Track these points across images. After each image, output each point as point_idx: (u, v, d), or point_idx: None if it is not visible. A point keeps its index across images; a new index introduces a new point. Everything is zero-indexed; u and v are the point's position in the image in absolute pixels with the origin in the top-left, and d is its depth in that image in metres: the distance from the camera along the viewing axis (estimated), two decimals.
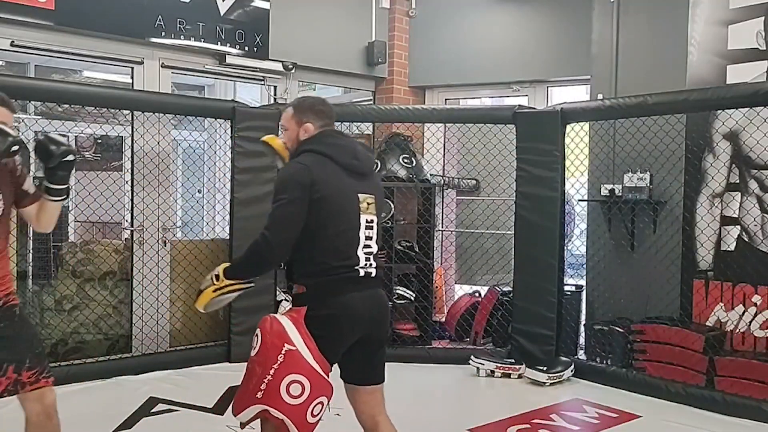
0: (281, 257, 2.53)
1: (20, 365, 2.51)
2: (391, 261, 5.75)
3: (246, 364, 2.51)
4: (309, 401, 2.39)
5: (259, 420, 2.49)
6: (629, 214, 5.16)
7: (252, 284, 2.66)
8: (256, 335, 2.48)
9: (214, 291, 2.60)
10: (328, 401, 2.47)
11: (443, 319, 6.08)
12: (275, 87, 6.22)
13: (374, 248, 2.61)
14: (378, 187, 2.76)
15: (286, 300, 5.40)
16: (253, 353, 2.47)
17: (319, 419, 2.46)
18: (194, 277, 5.32)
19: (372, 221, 2.60)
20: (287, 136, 2.71)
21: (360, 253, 2.55)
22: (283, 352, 2.39)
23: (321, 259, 2.49)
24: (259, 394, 2.39)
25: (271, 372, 2.37)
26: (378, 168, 5.77)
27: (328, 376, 2.44)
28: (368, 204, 2.61)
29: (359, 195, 2.58)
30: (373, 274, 2.59)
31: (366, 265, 2.56)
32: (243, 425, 2.53)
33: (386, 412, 2.70)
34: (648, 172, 5.06)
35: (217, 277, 2.58)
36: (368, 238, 2.58)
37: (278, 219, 2.47)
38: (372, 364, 2.65)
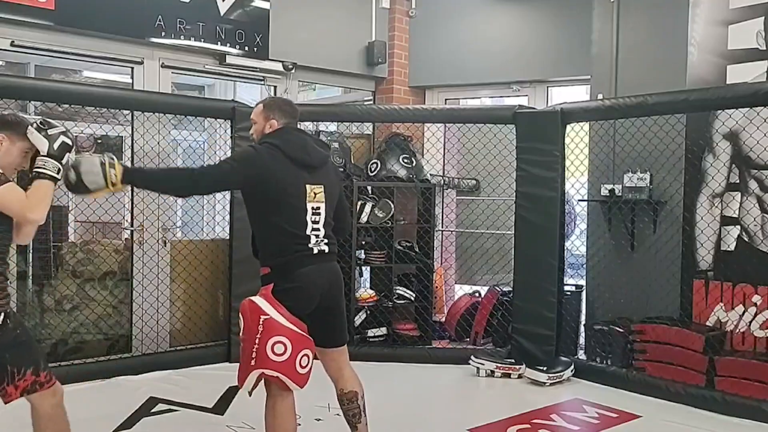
0: (189, 194, 2.97)
1: (38, 367, 2.62)
2: (391, 261, 5.75)
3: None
4: (294, 355, 2.82)
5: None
6: (629, 214, 5.16)
7: None
8: (240, 318, 2.87)
9: (111, 189, 2.77)
10: (312, 353, 2.90)
11: (443, 319, 6.08)
12: (275, 87, 6.22)
13: (322, 231, 2.98)
14: (329, 178, 3.08)
15: None
16: (241, 334, 2.87)
17: (310, 369, 2.88)
18: (194, 277, 5.32)
19: (318, 208, 2.98)
20: (255, 128, 3.10)
21: (310, 234, 2.93)
22: (261, 321, 2.80)
23: (278, 242, 2.91)
24: (253, 362, 2.80)
25: (257, 340, 2.78)
26: (377, 168, 5.78)
27: (305, 333, 2.87)
28: (315, 193, 2.97)
29: (306, 185, 2.94)
30: (326, 251, 2.99)
31: (317, 242, 2.94)
32: (250, 393, 2.89)
33: (350, 366, 3.20)
34: (648, 172, 5.06)
35: (113, 183, 2.72)
36: (315, 222, 2.96)
37: (217, 170, 2.95)
38: (334, 329, 3.10)
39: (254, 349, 2.79)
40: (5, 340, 2.51)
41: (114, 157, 2.77)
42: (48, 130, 2.58)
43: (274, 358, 2.78)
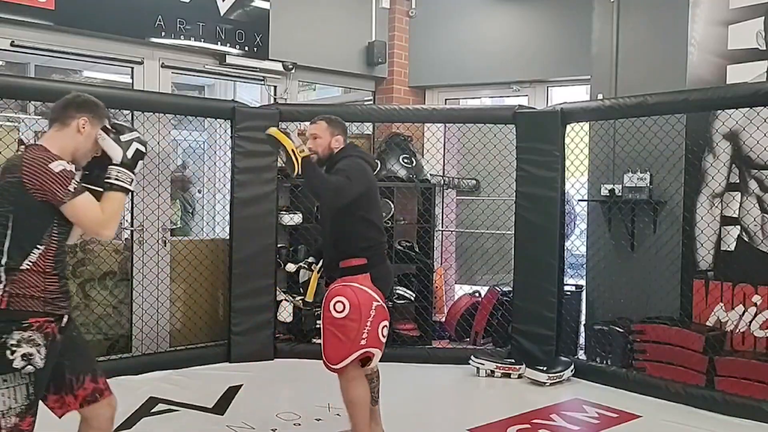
0: (335, 201, 3.23)
1: (95, 375, 2.49)
2: (391, 261, 5.74)
3: (328, 327, 3.23)
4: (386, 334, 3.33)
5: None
6: (629, 214, 5.16)
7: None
8: (340, 302, 3.19)
9: (291, 150, 3.11)
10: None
11: (443, 319, 6.08)
12: (275, 87, 6.22)
13: None
14: None
15: (286, 300, 5.40)
16: (340, 315, 3.19)
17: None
18: (194, 277, 5.32)
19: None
20: (319, 143, 3.39)
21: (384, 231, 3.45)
22: (374, 307, 3.22)
23: (371, 237, 3.33)
24: (363, 341, 3.19)
25: (368, 323, 3.19)
26: (377, 168, 5.78)
27: None
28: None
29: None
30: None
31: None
32: (340, 371, 3.25)
33: None
34: (648, 172, 5.06)
35: (296, 155, 3.10)
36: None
37: (349, 184, 3.18)
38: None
39: (365, 331, 3.18)
40: (64, 344, 2.38)
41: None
42: (121, 136, 2.44)
43: (381, 339, 3.25)
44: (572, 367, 4.89)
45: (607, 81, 5.45)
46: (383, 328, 3.27)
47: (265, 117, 5.27)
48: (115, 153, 2.42)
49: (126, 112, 5.21)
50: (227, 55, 5.73)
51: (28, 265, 2.27)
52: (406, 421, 4.04)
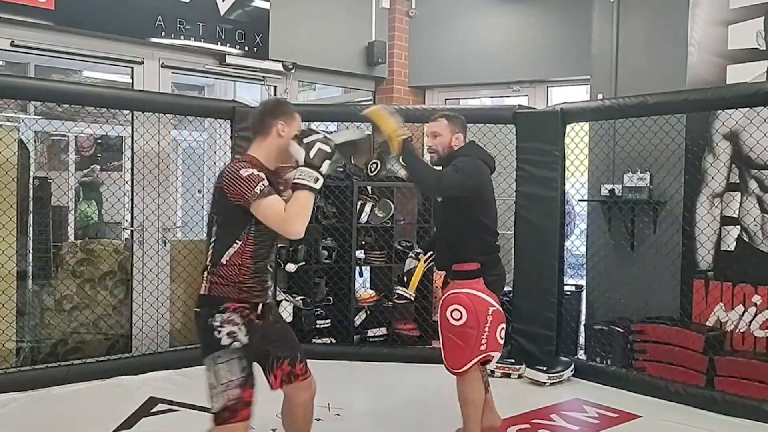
0: (432, 190, 3.40)
1: (294, 360, 2.81)
2: (391, 261, 5.75)
3: (447, 334, 3.31)
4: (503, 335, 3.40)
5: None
6: (629, 214, 5.16)
7: None
8: (457, 310, 3.26)
9: (392, 132, 3.17)
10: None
11: None
12: (275, 87, 6.23)
13: None
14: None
15: (286, 300, 5.40)
16: (458, 323, 3.27)
17: None
18: (194, 277, 5.32)
19: None
20: (440, 141, 3.42)
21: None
22: (490, 312, 3.28)
23: (486, 241, 3.36)
24: (483, 347, 3.27)
25: (487, 329, 3.26)
26: (377, 168, 5.78)
27: None
28: None
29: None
30: None
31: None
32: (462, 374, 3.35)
33: None
34: (648, 172, 5.06)
35: (395, 137, 3.16)
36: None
37: (456, 176, 3.19)
38: None
39: (484, 336, 3.26)
40: (267, 331, 2.72)
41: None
42: (304, 139, 2.59)
43: (500, 341, 3.34)
44: (572, 367, 4.89)
45: (607, 81, 5.45)
46: (501, 330, 3.34)
47: None
48: (298, 154, 2.59)
49: (126, 112, 5.23)
50: (227, 55, 5.73)
51: (226, 260, 2.61)
52: (406, 421, 4.04)
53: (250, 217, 2.55)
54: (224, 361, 2.57)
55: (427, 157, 3.60)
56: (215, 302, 2.62)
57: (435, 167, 3.43)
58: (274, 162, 2.69)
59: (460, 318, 3.26)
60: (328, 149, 2.57)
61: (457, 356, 3.31)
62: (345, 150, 3.15)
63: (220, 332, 2.57)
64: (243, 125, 5.18)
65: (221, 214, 2.62)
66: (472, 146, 3.50)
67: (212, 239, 2.68)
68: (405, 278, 3.65)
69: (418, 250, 3.71)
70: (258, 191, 2.48)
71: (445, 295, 3.37)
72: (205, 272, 2.69)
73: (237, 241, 2.60)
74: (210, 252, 2.67)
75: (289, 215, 2.50)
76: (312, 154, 2.55)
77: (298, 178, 2.54)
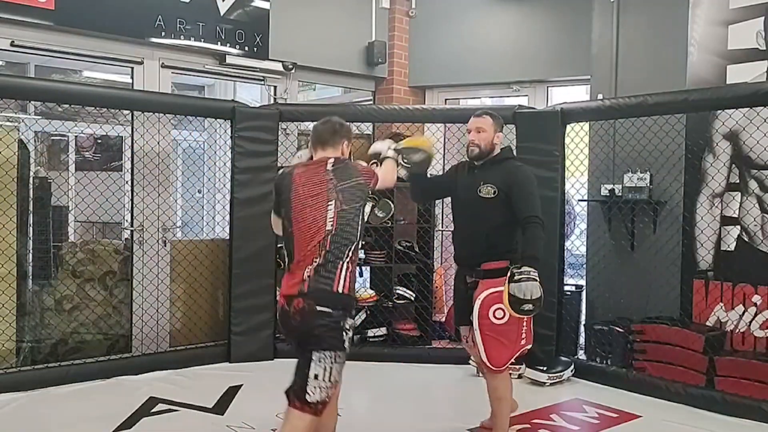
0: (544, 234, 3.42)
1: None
2: (391, 261, 5.75)
3: (488, 333, 3.36)
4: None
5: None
6: (629, 214, 5.16)
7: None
8: (500, 308, 3.31)
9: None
10: None
11: (443, 319, 6.07)
12: (275, 87, 6.22)
13: None
14: None
15: None
16: (501, 321, 3.34)
17: None
18: (194, 277, 5.32)
19: None
20: (483, 137, 3.54)
21: None
22: None
23: (518, 240, 3.43)
24: (523, 341, 3.40)
25: (525, 323, 3.38)
26: None
27: None
28: None
29: None
30: None
31: None
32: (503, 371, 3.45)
33: None
34: (648, 172, 5.06)
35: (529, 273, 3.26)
36: None
37: (539, 206, 3.40)
38: None
39: (523, 330, 3.38)
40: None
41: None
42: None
43: (532, 332, 3.45)
44: (572, 367, 4.89)
45: (607, 81, 5.45)
46: (531, 321, 3.45)
47: (265, 117, 5.27)
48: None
49: (126, 112, 5.22)
50: (227, 55, 5.73)
51: (354, 255, 2.88)
52: (406, 420, 4.05)
53: (363, 216, 2.94)
54: (341, 362, 2.78)
55: (430, 171, 3.88)
56: (350, 305, 2.85)
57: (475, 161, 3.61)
58: None
59: (503, 317, 3.32)
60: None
61: (501, 354, 3.37)
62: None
63: (346, 335, 2.79)
64: (243, 125, 5.18)
65: (362, 207, 2.93)
66: (511, 150, 3.72)
67: (351, 230, 2.87)
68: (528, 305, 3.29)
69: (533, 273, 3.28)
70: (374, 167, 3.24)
71: (483, 295, 3.38)
72: (341, 264, 2.82)
73: (358, 240, 2.91)
74: (347, 244, 2.85)
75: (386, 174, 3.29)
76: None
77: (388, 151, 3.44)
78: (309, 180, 2.94)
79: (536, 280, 3.22)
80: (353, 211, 2.89)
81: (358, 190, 2.93)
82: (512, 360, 3.42)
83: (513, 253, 3.42)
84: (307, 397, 2.72)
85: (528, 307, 3.22)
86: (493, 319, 3.34)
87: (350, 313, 2.83)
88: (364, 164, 3.11)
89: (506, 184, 3.43)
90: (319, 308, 2.76)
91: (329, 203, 2.86)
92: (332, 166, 2.96)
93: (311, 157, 3.11)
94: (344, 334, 2.78)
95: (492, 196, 3.44)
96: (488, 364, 3.39)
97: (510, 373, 3.62)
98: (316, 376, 2.72)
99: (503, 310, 3.30)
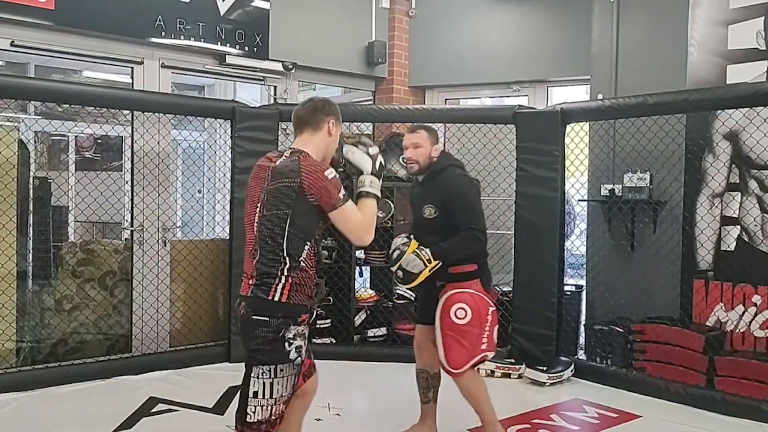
0: (483, 248, 3.45)
1: (309, 354, 2.76)
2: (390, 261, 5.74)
3: (448, 333, 3.34)
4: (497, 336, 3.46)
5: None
6: (629, 214, 5.16)
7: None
8: (462, 308, 3.31)
9: (429, 271, 3.36)
10: None
11: None
12: (275, 87, 6.22)
13: None
14: None
15: None
16: (462, 322, 3.32)
17: None
18: (194, 277, 5.32)
19: None
20: (420, 153, 3.52)
21: None
22: (490, 312, 3.37)
23: (483, 242, 3.42)
24: (484, 346, 3.34)
25: (487, 328, 3.34)
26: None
27: None
28: None
29: None
30: None
31: None
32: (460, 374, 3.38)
33: None
34: (648, 172, 5.06)
35: (429, 260, 3.34)
36: None
37: (479, 214, 3.42)
38: None
39: (485, 336, 3.33)
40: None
41: (409, 238, 3.47)
42: (369, 149, 2.67)
43: (495, 341, 3.40)
44: (572, 367, 4.89)
45: (607, 81, 5.45)
46: (497, 330, 3.43)
47: (265, 117, 5.27)
48: (366, 164, 2.65)
49: (126, 112, 5.22)
50: (227, 55, 5.73)
51: (303, 263, 2.46)
52: (406, 421, 4.04)
53: (320, 219, 2.49)
54: (285, 376, 2.45)
55: (403, 172, 3.75)
56: (293, 312, 2.46)
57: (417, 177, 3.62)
58: (321, 160, 2.60)
59: (465, 317, 3.31)
60: (384, 164, 2.69)
61: (459, 356, 3.33)
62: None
63: (291, 345, 2.45)
64: (243, 125, 5.18)
65: (295, 212, 2.43)
66: (448, 156, 3.67)
67: (275, 236, 2.44)
68: (399, 271, 3.42)
69: (426, 254, 3.38)
70: (341, 197, 2.45)
71: (447, 294, 3.38)
72: (278, 273, 2.44)
73: (308, 243, 2.48)
74: (276, 251, 2.44)
75: (368, 223, 2.53)
76: (377, 165, 2.65)
77: (370, 186, 2.60)
78: (256, 174, 2.60)
79: (423, 261, 3.30)
80: (273, 218, 2.45)
81: (281, 194, 2.45)
82: (470, 365, 3.35)
83: (479, 256, 3.45)
84: (247, 417, 2.44)
85: (399, 273, 3.36)
86: (454, 318, 3.33)
87: (294, 320, 2.45)
88: (328, 173, 2.46)
89: (444, 200, 3.42)
90: (255, 317, 2.44)
91: (257, 205, 2.52)
92: (283, 159, 2.53)
93: None
94: (286, 344, 2.43)
95: (434, 216, 3.45)
96: (446, 365, 3.37)
97: (477, 369, 3.58)
98: (255, 394, 2.43)
99: (465, 310, 3.31)
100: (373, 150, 2.67)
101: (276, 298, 2.43)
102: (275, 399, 2.44)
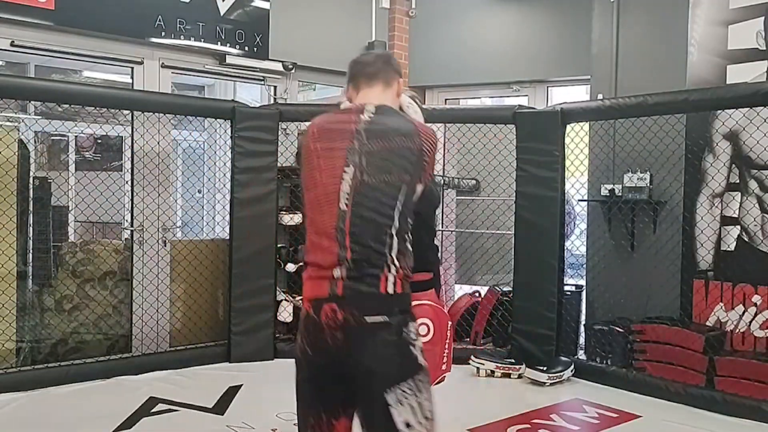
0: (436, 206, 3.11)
1: None
2: None
3: None
4: None
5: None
6: (629, 214, 5.16)
7: None
8: (425, 324, 2.77)
9: None
10: None
11: None
12: (275, 87, 6.22)
13: None
14: None
15: (286, 300, 5.40)
16: (424, 340, 2.62)
17: None
18: (194, 277, 5.32)
19: None
20: None
21: None
22: (449, 327, 2.94)
23: (436, 248, 3.14)
24: (444, 366, 2.92)
25: (446, 345, 2.91)
26: None
27: None
28: None
29: None
30: None
31: None
32: None
33: None
34: (648, 172, 5.06)
35: None
36: None
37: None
38: None
39: (445, 354, 2.90)
40: None
41: None
42: (421, 107, 2.47)
43: (451, 361, 2.98)
44: (572, 367, 4.88)
45: (607, 81, 5.45)
46: (452, 347, 3.07)
47: (265, 117, 5.27)
48: (420, 118, 2.33)
49: (126, 112, 5.22)
50: (227, 55, 5.73)
51: (409, 242, 1.97)
52: None
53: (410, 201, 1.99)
54: (425, 386, 1.94)
55: None
56: (408, 304, 1.97)
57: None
58: None
59: (427, 333, 2.79)
60: None
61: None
62: None
63: (416, 346, 1.93)
64: (243, 125, 5.18)
65: (413, 179, 1.96)
66: None
67: (383, 209, 1.91)
68: None
69: None
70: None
71: None
72: (386, 259, 1.90)
73: (410, 219, 1.99)
74: (383, 228, 1.91)
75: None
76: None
77: None
78: (334, 136, 1.99)
79: None
80: (382, 187, 1.92)
81: (398, 156, 1.94)
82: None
83: (434, 263, 3.04)
84: None
85: None
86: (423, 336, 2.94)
87: (412, 314, 1.96)
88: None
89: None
90: (370, 320, 1.87)
91: (344, 172, 1.92)
92: (371, 115, 2.00)
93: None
94: (413, 346, 1.92)
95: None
96: None
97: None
98: (408, 425, 1.86)
99: (427, 326, 2.82)
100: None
101: (390, 290, 1.89)
102: (429, 420, 1.93)
